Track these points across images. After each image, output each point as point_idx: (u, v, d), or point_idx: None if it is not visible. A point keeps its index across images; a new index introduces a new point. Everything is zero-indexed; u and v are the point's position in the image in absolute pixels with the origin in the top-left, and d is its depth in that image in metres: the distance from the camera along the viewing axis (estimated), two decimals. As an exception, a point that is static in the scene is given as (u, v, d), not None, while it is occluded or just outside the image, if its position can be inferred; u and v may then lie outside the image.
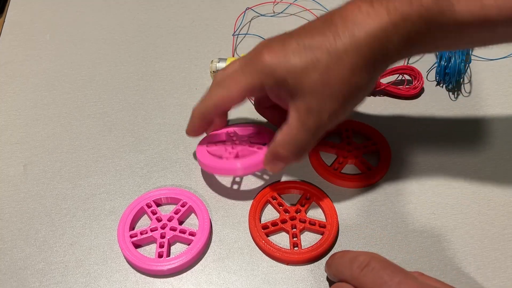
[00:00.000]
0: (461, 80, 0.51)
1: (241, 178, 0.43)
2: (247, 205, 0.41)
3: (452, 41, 0.35)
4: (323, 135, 0.36)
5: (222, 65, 0.49)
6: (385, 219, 0.41)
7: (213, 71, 0.50)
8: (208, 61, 0.53)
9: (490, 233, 0.40)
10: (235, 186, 0.43)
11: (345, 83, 0.33)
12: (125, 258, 0.38)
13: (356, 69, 0.32)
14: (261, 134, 0.44)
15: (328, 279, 0.37)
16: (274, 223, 0.40)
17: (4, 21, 0.59)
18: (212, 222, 0.41)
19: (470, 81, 0.51)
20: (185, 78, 0.52)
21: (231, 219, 0.41)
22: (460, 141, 0.46)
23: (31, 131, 0.47)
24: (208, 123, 0.41)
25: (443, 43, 0.35)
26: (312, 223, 0.40)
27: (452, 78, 0.49)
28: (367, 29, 0.32)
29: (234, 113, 0.49)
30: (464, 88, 0.50)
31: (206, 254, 0.39)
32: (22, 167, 0.45)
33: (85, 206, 0.42)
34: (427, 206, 0.41)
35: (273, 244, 0.38)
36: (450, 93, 0.50)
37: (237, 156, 0.41)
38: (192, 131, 0.41)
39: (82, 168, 0.44)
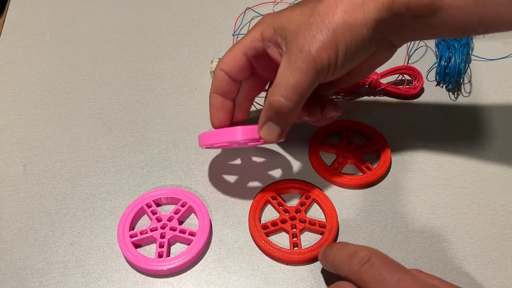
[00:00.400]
0: (461, 80, 0.51)
1: (242, 175, 0.43)
2: (247, 205, 0.41)
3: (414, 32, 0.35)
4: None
5: None
6: (385, 219, 0.41)
7: (213, 71, 0.49)
8: (208, 61, 0.53)
9: (490, 233, 0.40)
10: (235, 178, 0.43)
11: (341, 23, 0.33)
12: (125, 258, 0.38)
13: (352, 12, 0.33)
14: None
15: (323, 271, 0.37)
16: (274, 223, 0.40)
17: (4, 21, 0.59)
18: (212, 222, 0.41)
19: (470, 81, 0.51)
20: (185, 78, 0.52)
21: (231, 219, 0.41)
22: (460, 141, 0.46)
23: (31, 131, 0.47)
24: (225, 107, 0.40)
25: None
26: (312, 223, 0.40)
27: (452, 78, 0.49)
28: None
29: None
30: (464, 88, 0.50)
31: (206, 254, 0.39)
32: (22, 167, 0.45)
33: (85, 206, 0.42)
34: (427, 206, 0.41)
35: (273, 244, 0.38)
36: (450, 93, 0.50)
37: None
38: (214, 118, 0.40)
39: (82, 168, 0.44)
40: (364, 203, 0.42)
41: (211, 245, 0.39)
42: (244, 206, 0.41)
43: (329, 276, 0.37)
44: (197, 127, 0.47)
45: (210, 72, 0.50)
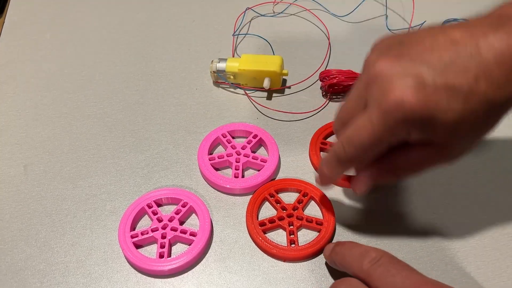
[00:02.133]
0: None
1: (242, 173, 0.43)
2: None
3: None
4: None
5: (222, 65, 0.49)
6: (384, 219, 0.41)
7: (213, 71, 0.50)
8: (208, 61, 0.53)
9: (490, 233, 0.40)
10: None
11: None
12: (126, 258, 0.38)
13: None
14: (256, 136, 0.45)
15: (324, 269, 0.37)
16: (271, 220, 0.40)
17: (4, 21, 0.59)
18: (213, 222, 0.41)
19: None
20: (185, 78, 0.52)
21: (232, 219, 0.41)
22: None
23: (31, 131, 0.47)
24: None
25: None
26: (309, 220, 0.40)
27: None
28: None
29: (231, 113, 0.49)
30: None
31: (207, 254, 0.39)
32: (23, 167, 0.45)
33: (85, 207, 0.42)
34: (427, 206, 0.41)
35: (270, 241, 0.38)
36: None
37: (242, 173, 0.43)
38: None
39: (83, 168, 0.44)
40: (363, 202, 0.42)
41: (212, 245, 0.39)
42: (245, 206, 0.41)
43: (330, 273, 0.37)
44: (197, 127, 0.48)
45: (210, 72, 0.50)
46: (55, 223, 0.41)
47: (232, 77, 0.50)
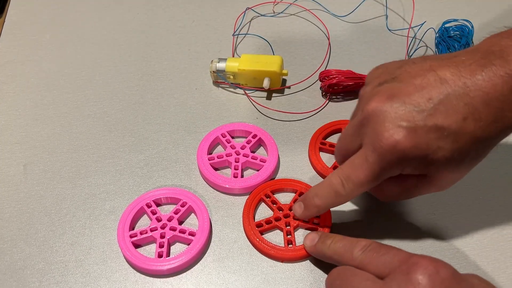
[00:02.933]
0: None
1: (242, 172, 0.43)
2: (247, 205, 0.41)
3: None
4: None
5: (222, 65, 0.49)
6: (383, 219, 0.41)
7: (213, 71, 0.50)
8: (208, 61, 0.53)
9: (490, 233, 0.40)
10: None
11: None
12: (125, 258, 0.38)
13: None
14: (256, 136, 0.45)
15: (320, 262, 0.37)
16: (268, 221, 0.40)
17: (4, 21, 0.59)
18: (212, 222, 0.41)
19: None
20: (185, 78, 0.52)
21: (230, 219, 0.41)
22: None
23: (31, 131, 0.47)
24: None
25: None
26: (306, 220, 0.40)
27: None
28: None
29: (230, 113, 0.49)
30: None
31: (206, 254, 0.39)
32: (22, 167, 0.45)
33: (85, 206, 0.42)
34: (427, 206, 0.41)
35: (268, 241, 0.38)
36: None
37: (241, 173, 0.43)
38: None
39: (82, 168, 0.44)
40: (361, 202, 0.42)
41: (211, 245, 0.39)
42: (244, 206, 0.41)
43: (328, 272, 0.37)
44: (197, 127, 0.48)
45: (210, 72, 0.50)
46: (55, 222, 0.41)
47: (232, 77, 0.50)
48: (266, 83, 0.48)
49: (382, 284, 0.29)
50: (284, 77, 0.51)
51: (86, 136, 0.47)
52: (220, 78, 0.50)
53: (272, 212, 0.41)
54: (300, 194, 0.41)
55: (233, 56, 0.54)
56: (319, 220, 0.40)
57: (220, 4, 0.61)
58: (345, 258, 0.33)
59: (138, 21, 0.59)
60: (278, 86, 0.50)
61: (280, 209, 0.41)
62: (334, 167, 0.43)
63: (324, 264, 0.38)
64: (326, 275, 0.37)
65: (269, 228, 0.40)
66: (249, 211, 0.40)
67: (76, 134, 0.47)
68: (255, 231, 0.39)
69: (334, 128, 0.46)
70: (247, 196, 0.42)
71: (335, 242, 0.35)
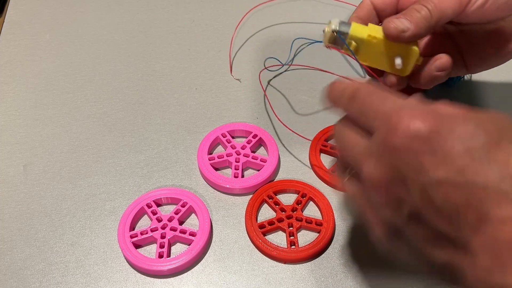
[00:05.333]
0: (461, 80, 0.51)
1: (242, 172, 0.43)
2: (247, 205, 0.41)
3: None
4: None
5: (346, 28, 0.37)
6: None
7: (333, 31, 0.37)
8: (208, 61, 0.53)
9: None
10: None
11: None
12: (125, 258, 0.38)
13: None
14: (256, 136, 0.45)
15: (321, 266, 0.37)
16: (270, 222, 0.40)
17: (4, 21, 0.59)
18: (213, 222, 0.41)
19: (470, 81, 0.51)
20: (185, 78, 0.52)
21: (231, 219, 0.41)
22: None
23: (31, 131, 0.47)
24: None
25: None
26: (309, 221, 0.40)
27: (456, 79, 0.49)
28: None
29: (231, 113, 0.49)
30: (464, 88, 0.50)
31: (207, 254, 0.39)
32: (22, 167, 0.45)
33: (85, 207, 0.42)
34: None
35: (270, 243, 0.38)
36: (451, 92, 0.50)
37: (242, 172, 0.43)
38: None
39: (82, 168, 0.44)
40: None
41: (211, 245, 0.39)
42: (244, 206, 0.41)
43: (330, 273, 0.37)
44: (197, 127, 0.47)
45: (325, 32, 0.37)
46: (55, 222, 0.41)
47: (353, 44, 0.37)
48: (399, 62, 0.36)
49: (367, 143, 0.27)
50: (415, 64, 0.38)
51: (86, 136, 0.47)
52: (339, 43, 0.37)
53: (275, 213, 0.41)
54: (303, 194, 0.41)
55: (230, 65, 0.54)
56: (322, 221, 0.39)
57: (220, 4, 0.61)
58: (339, 107, 0.30)
59: (138, 21, 0.59)
60: (404, 73, 0.38)
61: (282, 210, 0.40)
62: (333, 170, 0.43)
63: (325, 265, 0.38)
64: (327, 275, 0.37)
65: (272, 230, 0.40)
66: (252, 212, 0.40)
67: (76, 134, 0.47)
68: (258, 233, 0.39)
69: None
70: (249, 196, 0.42)
71: (332, 91, 0.31)
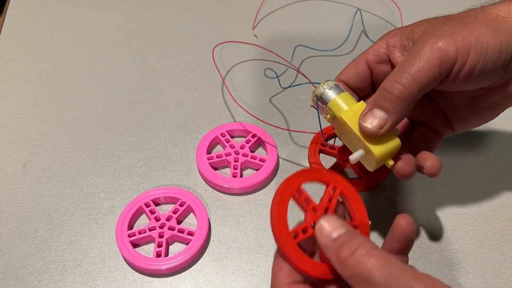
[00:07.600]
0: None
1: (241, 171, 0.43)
2: (246, 204, 0.41)
3: None
4: None
5: (331, 94, 0.35)
6: (384, 218, 0.40)
7: (317, 95, 0.35)
8: (207, 61, 0.53)
9: (489, 233, 0.40)
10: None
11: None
12: (123, 257, 0.38)
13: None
14: (255, 135, 0.45)
15: None
16: (304, 229, 0.29)
17: (4, 20, 0.59)
18: (211, 221, 0.41)
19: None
20: (184, 78, 0.52)
21: (229, 219, 0.41)
22: (460, 142, 0.46)
23: (30, 130, 0.47)
24: None
25: None
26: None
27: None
28: None
29: (230, 113, 0.49)
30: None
31: (205, 254, 0.39)
32: (21, 166, 0.45)
33: (83, 205, 0.42)
34: (427, 206, 0.41)
35: (308, 258, 0.29)
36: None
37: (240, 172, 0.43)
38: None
39: (81, 167, 0.44)
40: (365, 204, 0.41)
41: (209, 245, 0.39)
42: (243, 205, 0.41)
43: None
44: (197, 126, 0.47)
45: (313, 93, 0.36)
46: (53, 221, 0.41)
47: (328, 116, 0.35)
48: (355, 156, 0.33)
49: None
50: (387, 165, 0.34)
51: (85, 135, 0.47)
52: (320, 107, 0.36)
53: (304, 214, 0.30)
54: (334, 188, 0.31)
55: (224, 77, 0.54)
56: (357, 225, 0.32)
57: (220, 4, 0.61)
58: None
59: (138, 21, 0.59)
60: (370, 169, 0.34)
61: (315, 210, 0.30)
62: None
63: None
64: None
65: (305, 237, 0.29)
66: (280, 215, 0.28)
67: (75, 133, 0.47)
68: (293, 244, 0.28)
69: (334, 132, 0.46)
70: (247, 196, 0.41)
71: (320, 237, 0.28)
